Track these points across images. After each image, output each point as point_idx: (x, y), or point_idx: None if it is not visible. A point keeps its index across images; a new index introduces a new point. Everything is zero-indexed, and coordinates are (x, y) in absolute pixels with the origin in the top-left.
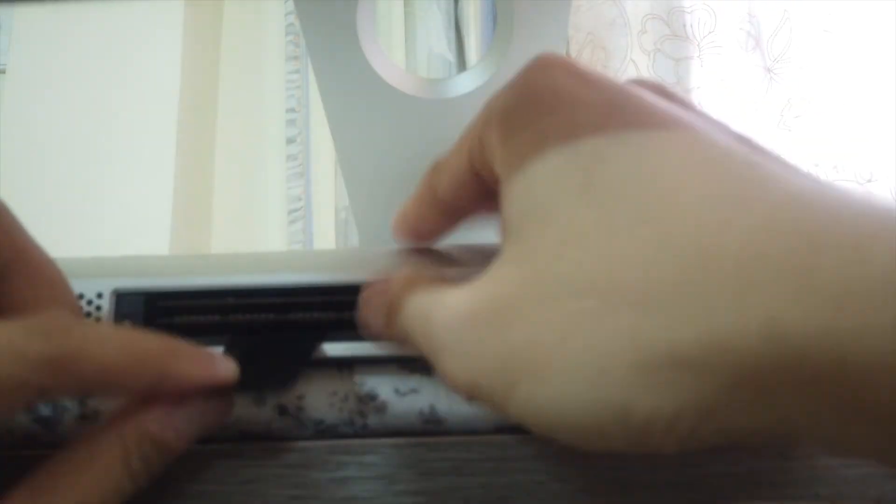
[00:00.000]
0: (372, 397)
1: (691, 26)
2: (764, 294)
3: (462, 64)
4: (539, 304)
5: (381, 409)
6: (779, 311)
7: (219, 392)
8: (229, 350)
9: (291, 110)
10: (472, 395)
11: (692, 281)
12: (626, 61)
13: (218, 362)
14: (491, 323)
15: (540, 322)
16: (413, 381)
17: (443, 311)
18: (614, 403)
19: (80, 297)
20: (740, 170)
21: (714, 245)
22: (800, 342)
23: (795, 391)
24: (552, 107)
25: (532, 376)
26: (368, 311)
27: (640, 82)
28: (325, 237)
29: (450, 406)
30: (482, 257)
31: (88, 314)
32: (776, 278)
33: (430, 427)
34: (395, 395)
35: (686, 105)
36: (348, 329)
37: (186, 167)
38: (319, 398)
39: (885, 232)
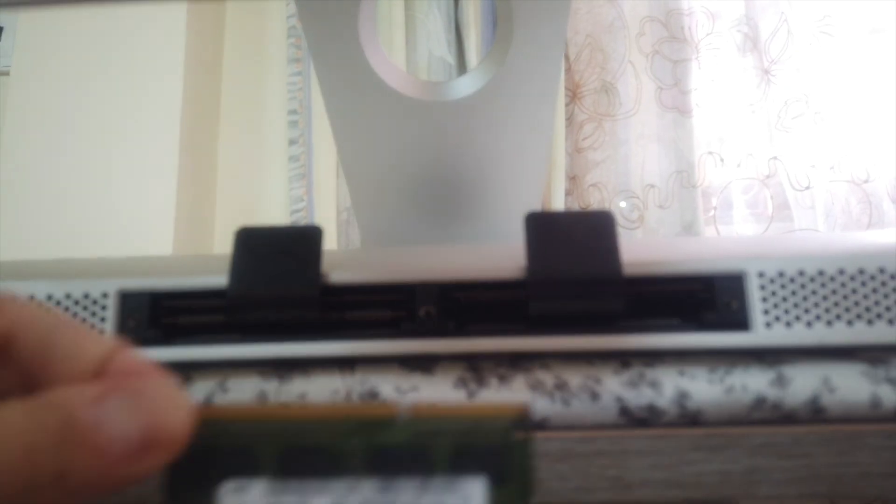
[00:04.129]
0: (373, 396)
1: (689, 28)
2: None
3: (462, 67)
4: None
5: None
6: None
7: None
8: None
9: (293, 112)
10: None
11: None
12: (625, 63)
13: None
14: None
15: None
16: (414, 380)
17: None
18: None
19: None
20: None
21: None
22: None
23: None
24: None
25: None
26: None
27: None
28: (327, 238)
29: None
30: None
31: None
32: None
33: None
34: (397, 393)
35: None
36: (350, 328)
37: (189, 168)
38: (321, 396)
39: None
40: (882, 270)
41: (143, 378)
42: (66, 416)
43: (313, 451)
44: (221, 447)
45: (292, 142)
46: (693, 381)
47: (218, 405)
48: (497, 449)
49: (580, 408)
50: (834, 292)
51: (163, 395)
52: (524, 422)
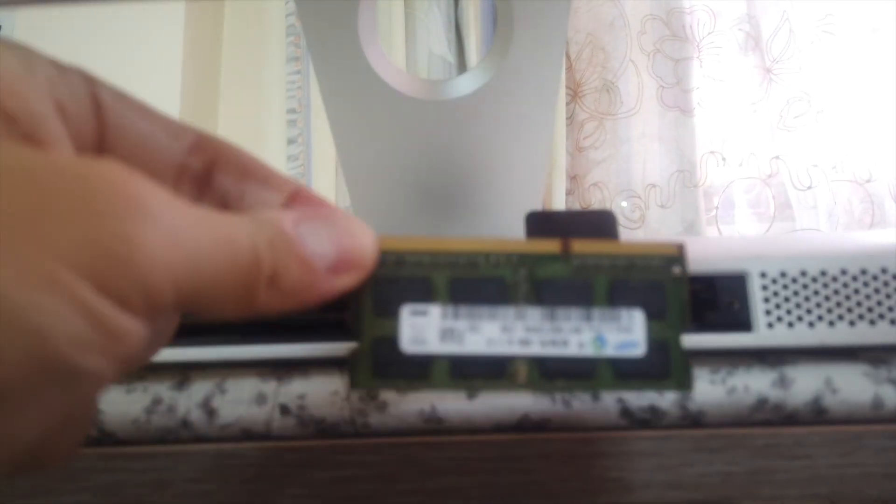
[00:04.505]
0: (373, 396)
1: (691, 27)
2: None
3: (462, 65)
4: None
5: (382, 408)
6: None
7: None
8: None
9: (292, 111)
10: None
11: None
12: (626, 62)
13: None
14: None
15: None
16: None
17: None
18: None
19: None
20: None
21: None
22: None
23: None
24: None
25: None
26: None
27: None
28: None
29: (450, 405)
30: None
31: None
32: None
33: (431, 426)
34: (396, 393)
35: None
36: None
37: None
38: (321, 397)
39: None
40: (884, 271)
41: (330, 209)
42: (277, 228)
43: (483, 280)
44: (400, 275)
45: (291, 141)
46: (694, 382)
47: (396, 237)
48: (654, 284)
49: (582, 409)
50: (836, 293)
51: (351, 224)
52: (679, 260)
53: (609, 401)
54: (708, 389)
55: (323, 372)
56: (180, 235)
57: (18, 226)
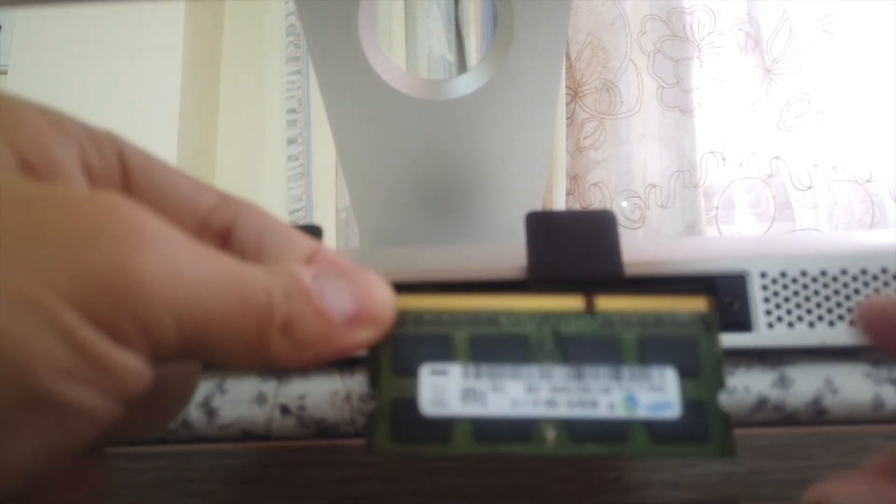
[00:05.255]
0: (373, 397)
1: (691, 27)
2: None
3: (462, 65)
4: None
5: None
6: None
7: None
8: None
9: (292, 111)
10: None
11: None
12: (626, 62)
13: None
14: None
15: None
16: None
17: None
18: None
19: None
20: None
21: None
22: None
23: None
24: None
25: None
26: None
27: None
28: (326, 237)
29: None
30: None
31: None
32: None
33: None
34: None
35: None
36: None
37: (188, 167)
38: (321, 398)
39: None
40: (885, 271)
41: (349, 266)
42: (294, 278)
43: (505, 337)
44: (420, 333)
45: (291, 141)
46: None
47: (415, 295)
48: (685, 340)
49: None
50: (836, 293)
51: (371, 280)
52: (711, 316)
53: None
54: None
55: (323, 372)
56: (185, 271)
57: (6, 251)
